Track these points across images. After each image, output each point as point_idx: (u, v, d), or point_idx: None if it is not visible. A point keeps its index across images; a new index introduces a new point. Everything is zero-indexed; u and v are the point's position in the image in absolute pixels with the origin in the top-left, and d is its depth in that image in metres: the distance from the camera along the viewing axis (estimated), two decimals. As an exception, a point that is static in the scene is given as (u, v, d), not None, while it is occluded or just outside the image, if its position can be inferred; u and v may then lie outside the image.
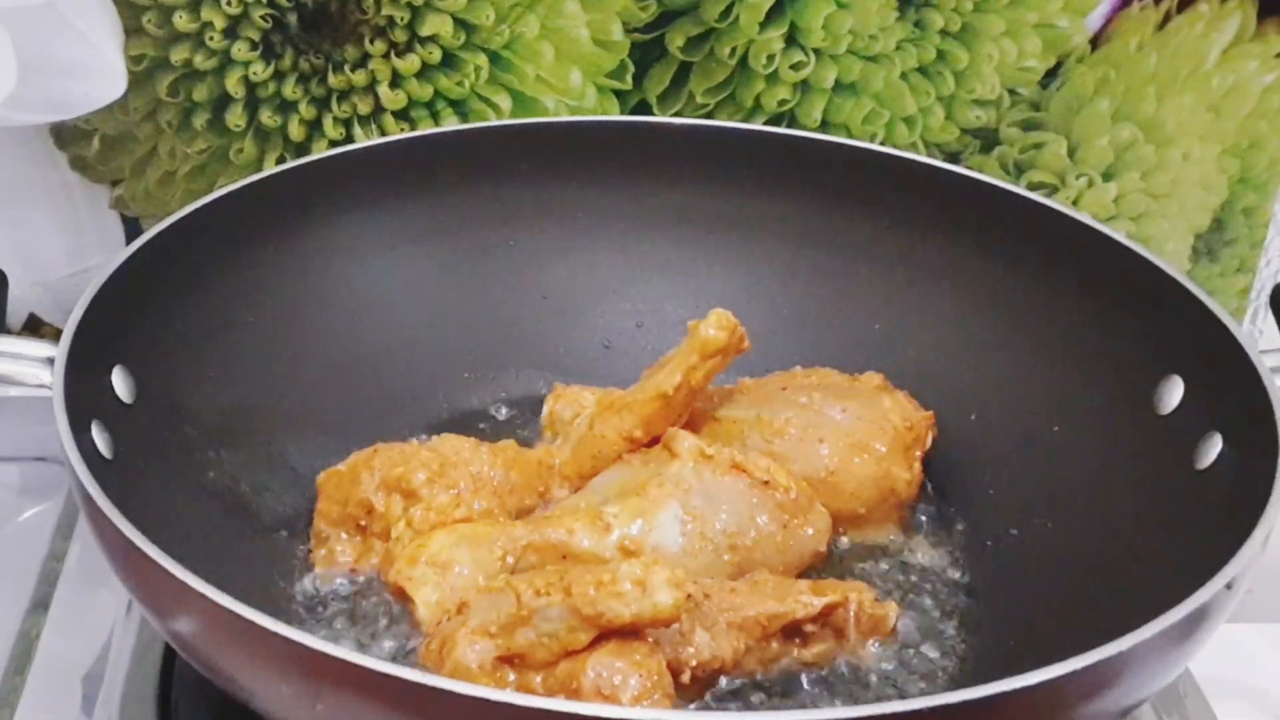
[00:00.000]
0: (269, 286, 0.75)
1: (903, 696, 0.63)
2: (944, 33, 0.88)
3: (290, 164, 0.78)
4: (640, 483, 0.66)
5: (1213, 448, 0.63)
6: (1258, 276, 0.96)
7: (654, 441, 0.71)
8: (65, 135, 0.86)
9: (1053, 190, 0.92)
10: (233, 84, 0.85)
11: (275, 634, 0.48)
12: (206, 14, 0.83)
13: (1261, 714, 0.72)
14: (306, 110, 0.86)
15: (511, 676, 0.58)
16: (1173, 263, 0.80)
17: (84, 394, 0.60)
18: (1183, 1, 0.88)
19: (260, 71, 0.85)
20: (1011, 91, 0.90)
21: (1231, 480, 0.62)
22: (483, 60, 0.86)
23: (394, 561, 0.66)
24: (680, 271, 0.84)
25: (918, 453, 0.74)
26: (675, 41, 0.87)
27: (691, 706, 0.61)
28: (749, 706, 0.61)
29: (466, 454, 0.69)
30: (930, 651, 0.66)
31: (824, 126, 0.90)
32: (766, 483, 0.66)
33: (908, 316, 0.80)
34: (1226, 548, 0.54)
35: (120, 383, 0.64)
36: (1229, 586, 0.52)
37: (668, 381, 0.70)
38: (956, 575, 0.71)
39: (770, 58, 0.88)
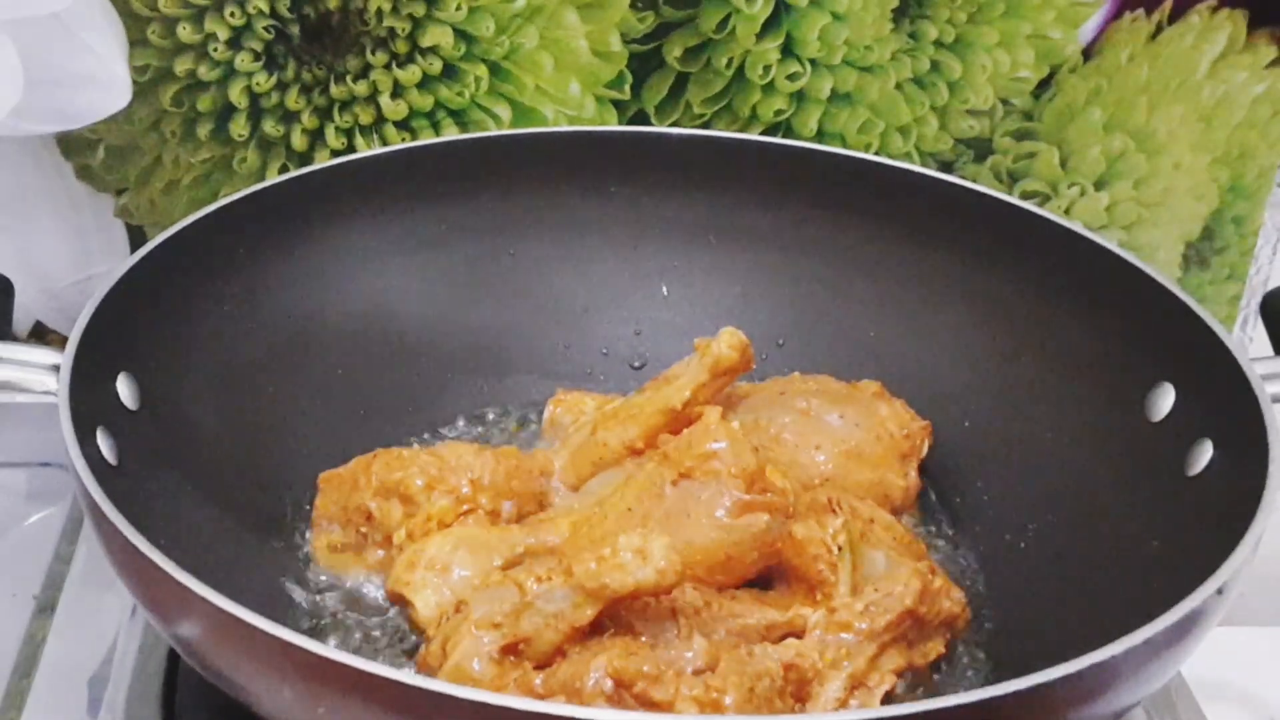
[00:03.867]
0: (272, 294, 0.75)
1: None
2: (938, 44, 0.88)
3: (293, 173, 0.78)
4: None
5: (1204, 454, 0.64)
6: (1248, 284, 0.96)
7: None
8: (71, 145, 0.87)
9: (1045, 199, 0.92)
10: (236, 94, 0.86)
11: (278, 638, 0.48)
12: (210, 25, 0.84)
13: (1253, 717, 0.72)
14: (309, 120, 0.87)
15: (513, 677, 0.58)
16: (1164, 271, 0.81)
17: (89, 401, 0.60)
18: (1174, 13, 0.88)
19: (263, 82, 0.86)
20: (1005, 102, 0.90)
21: (1222, 486, 0.62)
22: (483, 71, 0.87)
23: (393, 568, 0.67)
24: (678, 280, 0.85)
25: (914, 461, 0.74)
26: (673, 52, 0.88)
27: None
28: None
29: (468, 459, 0.69)
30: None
31: (819, 136, 0.90)
32: (764, 487, 0.67)
33: (903, 325, 0.81)
34: (1218, 553, 0.54)
35: (125, 389, 0.65)
36: (1220, 591, 0.53)
37: (677, 397, 0.71)
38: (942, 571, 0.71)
39: (767, 68, 0.88)
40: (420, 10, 0.84)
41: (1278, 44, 0.90)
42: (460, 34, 0.86)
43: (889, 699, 0.61)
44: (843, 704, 0.59)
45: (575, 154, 0.83)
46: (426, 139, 0.87)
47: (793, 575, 0.65)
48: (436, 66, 0.86)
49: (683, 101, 0.89)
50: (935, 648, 0.65)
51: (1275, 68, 0.90)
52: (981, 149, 0.92)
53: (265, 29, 0.84)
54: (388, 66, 0.86)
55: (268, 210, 0.75)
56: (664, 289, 0.85)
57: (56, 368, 0.61)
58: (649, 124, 0.89)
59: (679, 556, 0.58)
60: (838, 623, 0.61)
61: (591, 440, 0.72)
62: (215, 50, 0.84)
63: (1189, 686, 0.71)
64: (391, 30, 0.85)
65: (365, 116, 0.87)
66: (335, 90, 0.86)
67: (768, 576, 0.66)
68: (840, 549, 0.63)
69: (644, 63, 0.88)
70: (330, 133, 0.88)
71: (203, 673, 0.55)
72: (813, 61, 0.88)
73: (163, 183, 0.88)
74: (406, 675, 0.47)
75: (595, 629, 0.59)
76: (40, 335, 0.92)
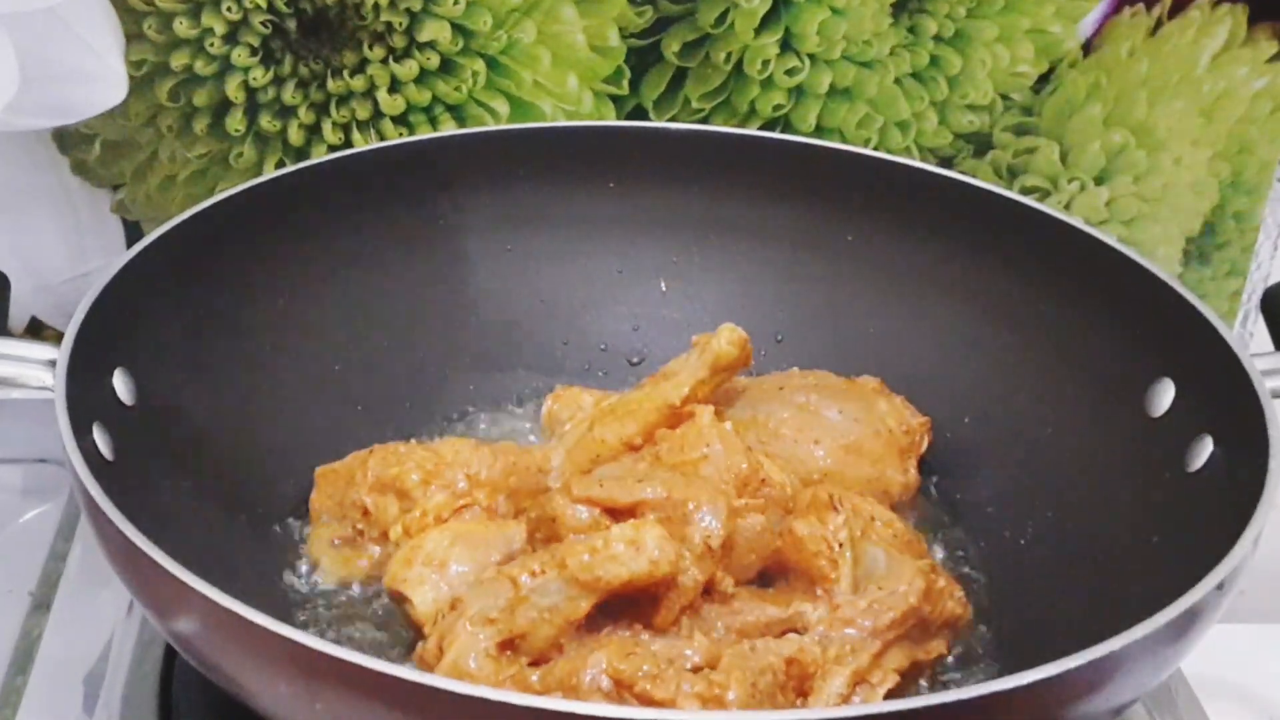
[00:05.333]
0: (268, 289, 0.75)
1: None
2: (937, 38, 0.88)
3: (289, 169, 0.78)
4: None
5: (1204, 450, 0.64)
6: (1248, 280, 0.96)
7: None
8: (67, 140, 0.87)
9: (1045, 194, 0.92)
10: (233, 89, 0.86)
11: (275, 634, 0.48)
12: (207, 20, 0.83)
13: (1253, 713, 0.73)
14: (306, 115, 0.87)
15: (509, 673, 0.58)
16: (1164, 266, 0.80)
17: (85, 396, 0.60)
18: (1174, 8, 0.88)
19: (260, 77, 0.85)
20: (1004, 96, 0.90)
21: (1222, 482, 0.62)
22: (480, 66, 0.87)
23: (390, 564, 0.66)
24: (676, 275, 0.84)
25: (913, 456, 0.74)
26: (671, 47, 0.88)
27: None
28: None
29: (465, 454, 0.69)
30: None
31: (818, 131, 0.90)
32: (763, 480, 0.67)
33: (903, 320, 0.81)
34: (1218, 549, 0.54)
35: (121, 385, 0.64)
36: (1220, 587, 0.52)
37: (675, 394, 0.71)
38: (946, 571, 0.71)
39: (765, 63, 0.88)
40: (417, 5, 0.84)
41: (1278, 39, 0.89)
42: (457, 29, 0.85)
43: (891, 697, 0.61)
44: (845, 699, 0.59)
45: (573, 149, 0.83)
46: (424, 134, 0.87)
47: (793, 572, 0.64)
48: (434, 61, 0.86)
49: (681, 96, 0.89)
50: (937, 647, 0.65)
51: (1276, 62, 0.90)
52: (981, 144, 0.92)
53: (262, 24, 0.84)
54: (385, 61, 0.86)
55: (264, 205, 0.75)
56: (662, 285, 0.84)
57: (52, 363, 0.61)
58: (647, 119, 0.89)
59: (673, 547, 0.58)
60: (841, 619, 0.61)
61: (589, 436, 0.72)
62: (212, 45, 0.84)
63: (1189, 683, 0.71)
64: (388, 25, 0.85)
65: (362, 111, 0.87)
66: (332, 85, 0.86)
67: (768, 574, 0.65)
68: (841, 545, 0.63)
69: (642, 58, 0.88)
70: (327, 128, 0.87)
71: (199, 669, 0.55)
72: (811, 56, 0.88)
73: (159, 178, 0.88)
74: (404, 671, 0.47)
75: (592, 624, 0.59)
76: (36, 331, 0.92)
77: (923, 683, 0.65)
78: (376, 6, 0.84)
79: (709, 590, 0.62)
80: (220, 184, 0.88)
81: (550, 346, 0.84)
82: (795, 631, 0.62)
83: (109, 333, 0.64)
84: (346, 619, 0.67)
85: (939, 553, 0.72)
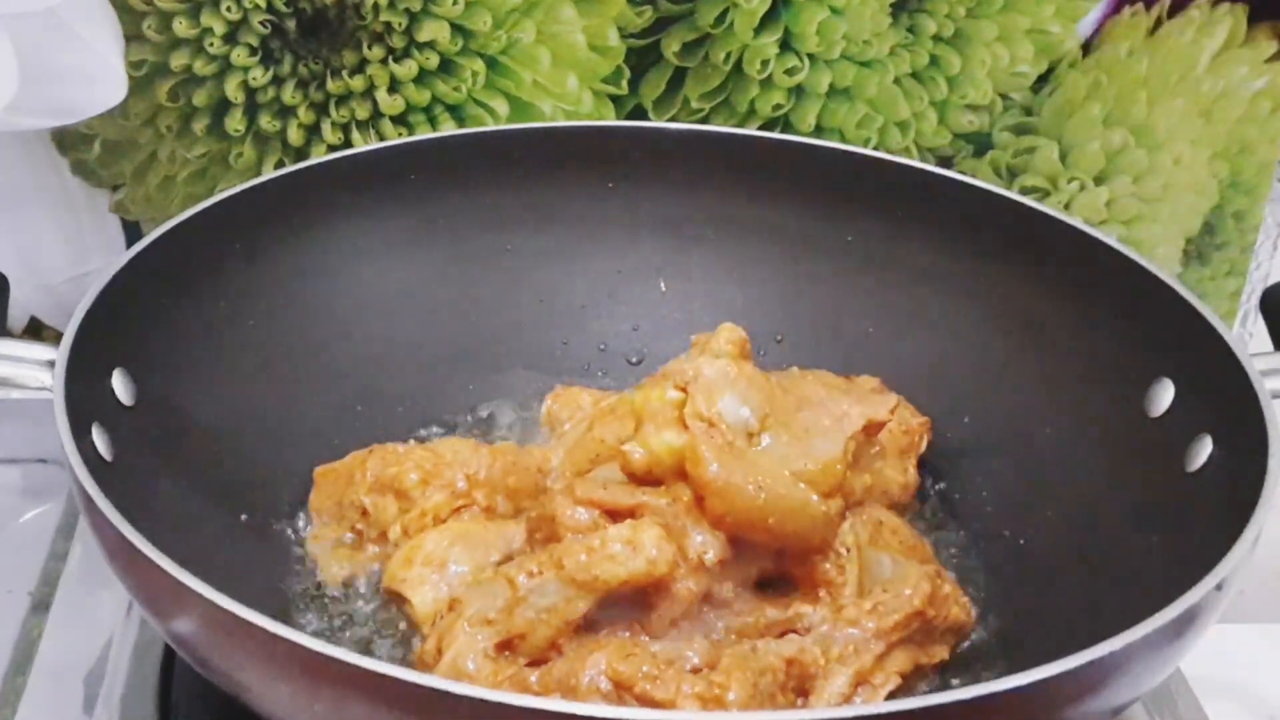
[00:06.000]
0: (268, 290, 0.75)
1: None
2: (937, 38, 0.88)
3: (289, 169, 0.78)
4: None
5: (1203, 450, 0.64)
6: (1248, 280, 0.96)
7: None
8: (66, 140, 0.87)
9: (1045, 194, 0.92)
10: (232, 89, 0.85)
11: (274, 635, 0.48)
12: (206, 20, 0.83)
13: (1253, 714, 0.73)
14: (305, 115, 0.87)
15: (508, 674, 0.58)
16: (1164, 266, 0.80)
17: (84, 396, 0.60)
18: (1174, 7, 0.88)
19: (259, 77, 0.85)
20: (1004, 96, 0.90)
21: (1222, 482, 0.62)
22: (480, 66, 0.87)
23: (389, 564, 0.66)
24: (676, 275, 0.84)
25: (913, 456, 0.74)
26: (671, 47, 0.88)
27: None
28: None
29: (464, 454, 0.69)
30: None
31: (818, 131, 0.90)
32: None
33: (902, 320, 0.81)
34: (1217, 549, 0.54)
35: (120, 385, 0.64)
36: (1219, 587, 0.52)
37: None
38: (951, 577, 0.71)
39: (765, 63, 0.88)
40: (417, 5, 0.84)
41: (1278, 38, 0.89)
42: (457, 29, 0.85)
43: (893, 699, 0.61)
44: (847, 699, 0.59)
45: (573, 149, 0.83)
46: (423, 134, 0.87)
47: (795, 575, 0.64)
48: (433, 61, 0.86)
49: (680, 96, 0.89)
50: (940, 652, 0.65)
51: (1275, 62, 0.90)
52: (981, 144, 0.92)
53: (261, 23, 0.84)
54: (384, 61, 0.86)
55: (264, 205, 0.75)
56: (662, 284, 0.84)
57: (52, 363, 0.61)
58: (647, 119, 0.89)
59: (670, 548, 0.58)
60: (845, 619, 0.61)
61: (588, 436, 0.72)
62: (211, 45, 0.84)
63: (1189, 683, 0.71)
64: (388, 25, 0.85)
65: (362, 112, 0.87)
66: (331, 85, 0.86)
67: (769, 575, 0.65)
68: (849, 550, 0.63)
69: (642, 57, 0.88)
70: (326, 128, 0.87)
71: (198, 669, 0.55)
72: (811, 56, 0.88)
73: (158, 178, 0.88)
74: (403, 671, 0.47)
75: (591, 626, 0.59)
76: (36, 331, 0.92)
77: (926, 684, 0.65)
78: (376, 6, 0.84)
79: (708, 597, 0.62)
80: (220, 184, 0.88)
81: (550, 346, 0.84)
82: (795, 633, 0.62)
83: (108, 333, 0.64)
84: (345, 619, 0.67)
85: (939, 553, 0.72)
